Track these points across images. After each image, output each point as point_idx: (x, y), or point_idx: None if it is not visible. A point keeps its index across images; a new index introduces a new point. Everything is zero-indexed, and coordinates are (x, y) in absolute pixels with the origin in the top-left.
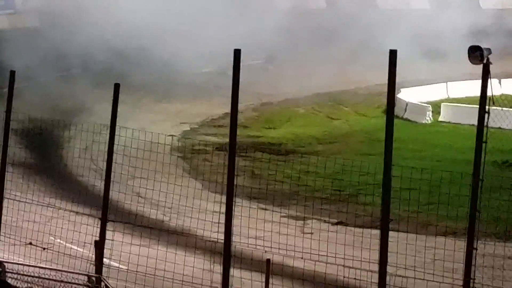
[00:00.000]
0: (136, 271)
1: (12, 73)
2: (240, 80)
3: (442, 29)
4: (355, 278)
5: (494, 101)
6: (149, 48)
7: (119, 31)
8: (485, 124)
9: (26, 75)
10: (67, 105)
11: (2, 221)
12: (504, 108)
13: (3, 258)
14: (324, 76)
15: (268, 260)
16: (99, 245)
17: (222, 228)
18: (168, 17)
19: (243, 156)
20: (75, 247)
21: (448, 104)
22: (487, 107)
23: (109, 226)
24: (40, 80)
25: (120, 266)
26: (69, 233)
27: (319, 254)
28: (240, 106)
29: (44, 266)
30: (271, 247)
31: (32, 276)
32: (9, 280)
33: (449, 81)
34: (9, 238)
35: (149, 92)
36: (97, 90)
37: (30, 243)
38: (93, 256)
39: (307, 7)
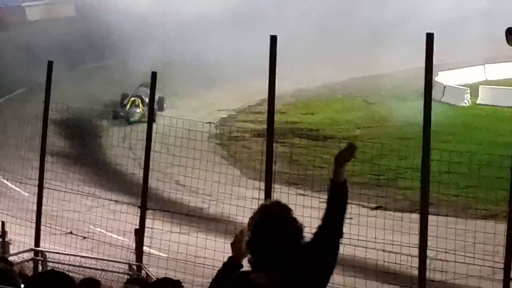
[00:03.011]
0: (176, 259)
1: (50, 64)
2: (277, 66)
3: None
4: (395, 263)
5: None
6: (188, 37)
7: (157, 18)
8: None
9: (63, 65)
10: (105, 95)
11: (43, 211)
12: None
13: (44, 248)
14: (359, 61)
15: None
16: (139, 233)
17: None
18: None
19: (281, 142)
20: (115, 236)
21: (486, 86)
22: None
23: (149, 214)
24: (78, 69)
25: (160, 254)
26: (109, 222)
27: (358, 239)
28: (277, 92)
29: (84, 255)
30: (310, 233)
31: (73, 265)
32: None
33: (486, 63)
34: (50, 227)
35: (186, 80)
36: (133, 78)
37: (71, 232)
38: (133, 244)
39: None
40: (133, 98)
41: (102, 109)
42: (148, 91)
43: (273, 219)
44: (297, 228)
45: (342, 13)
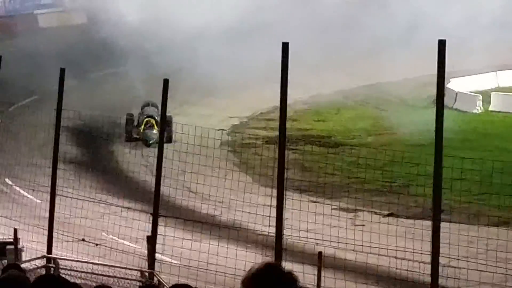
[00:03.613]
0: (189, 266)
1: (62, 71)
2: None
3: None
4: (407, 270)
5: None
6: (198, 44)
7: (168, 24)
8: None
9: (75, 72)
10: (117, 102)
11: (55, 218)
12: None
13: (56, 255)
14: (370, 68)
15: (320, 253)
16: (151, 240)
17: (273, 222)
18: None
19: (293, 149)
20: (128, 243)
21: (498, 93)
22: None
23: (161, 221)
24: (90, 76)
25: (173, 260)
26: (121, 229)
27: (370, 246)
28: (289, 99)
29: (97, 262)
30: (322, 240)
31: (85, 272)
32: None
33: (498, 70)
34: (62, 234)
35: (197, 87)
36: (146, 85)
37: (83, 239)
38: (146, 251)
39: None
40: (147, 119)
41: (114, 115)
42: (156, 110)
43: (264, 282)
44: (292, 280)
45: (352, 20)
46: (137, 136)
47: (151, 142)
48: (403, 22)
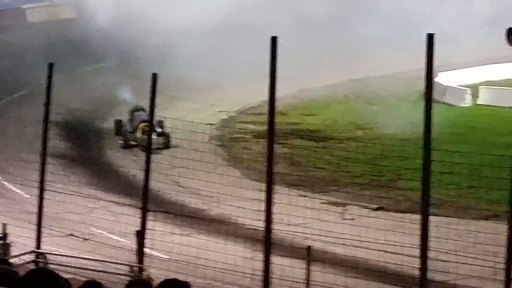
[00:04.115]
0: (178, 260)
1: (50, 66)
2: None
3: None
4: (396, 264)
5: None
6: (187, 40)
7: (156, 21)
8: None
9: (62, 66)
10: (104, 97)
11: (44, 212)
12: None
13: (45, 250)
14: (360, 63)
15: (309, 247)
16: (140, 235)
17: (262, 216)
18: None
19: (282, 143)
20: (116, 237)
21: (487, 87)
22: None
23: (150, 216)
24: (77, 71)
25: (162, 255)
26: (110, 224)
27: (360, 240)
28: (278, 93)
29: (85, 256)
30: (311, 234)
31: (74, 267)
32: None
33: (486, 64)
34: (51, 229)
35: (187, 82)
36: (134, 81)
37: (72, 234)
38: (135, 246)
39: None
40: (143, 124)
41: (102, 110)
42: (147, 115)
43: None
44: None
45: (342, 16)
46: (135, 143)
47: (153, 148)
48: (393, 17)
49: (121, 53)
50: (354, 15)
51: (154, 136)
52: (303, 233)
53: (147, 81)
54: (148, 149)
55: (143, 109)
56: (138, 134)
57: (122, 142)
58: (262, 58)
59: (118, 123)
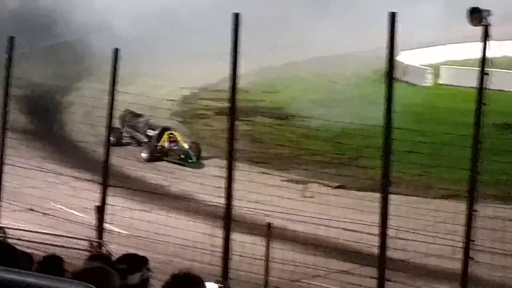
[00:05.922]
0: (138, 236)
1: (11, 39)
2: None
3: None
4: (356, 242)
5: (493, 63)
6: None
7: None
8: (485, 86)
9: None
10: (67, 71)
11: (3, 187)
12: (504, 70)
13: (4, 224)
14: (322, 41)
15: (269, 224)
16: (100, 211)
17: (222, 192)
18: None
19: (244, 120)
20: (76, 213)
21: (448, 66)
22: (486, 69)
23: (110, 191)
24: (40, 46)
25: (121, 231)
26: (70, 199)
27: (320, 218)
28: (241, 71)
29: (45, 231)
30: (272, 211)
31: (33, 242)
32: None
33: (448, 43)
34: (11, 204)
35: (149, 58)
36: (99, 56)
37: (32, 209)
38: (94, 221)
39: None
40: (167, 132)
41: (65, 84)
42: (153, 121)
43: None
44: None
45: None
46: (159, 155)
47: (192, 160)
48: None
49: (85, 28)
50: None
51: (185, 145)
52: (264, 210)
53: (108, 57)
54: (191, 165)
55: (139, 115)
56: (166, 144)
57: (147, 155)
58: (225, 35)
59: (116, 131)
